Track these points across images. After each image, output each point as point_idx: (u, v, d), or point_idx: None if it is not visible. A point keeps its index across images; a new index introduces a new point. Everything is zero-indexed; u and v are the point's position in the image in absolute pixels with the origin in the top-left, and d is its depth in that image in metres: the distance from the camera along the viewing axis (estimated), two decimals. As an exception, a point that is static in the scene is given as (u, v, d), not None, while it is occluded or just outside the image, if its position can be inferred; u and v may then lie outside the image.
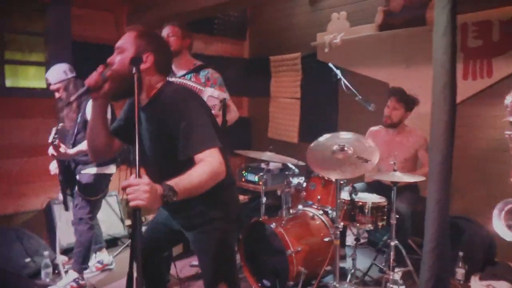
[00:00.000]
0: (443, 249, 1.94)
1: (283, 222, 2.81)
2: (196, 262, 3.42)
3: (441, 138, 1.93)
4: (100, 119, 1.67)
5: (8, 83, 3.81)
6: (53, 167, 2.98)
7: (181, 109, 1.52)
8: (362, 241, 3.60)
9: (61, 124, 2.75)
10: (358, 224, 2.76)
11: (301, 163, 3.11)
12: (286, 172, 3.19)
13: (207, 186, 1.42)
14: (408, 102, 3.17)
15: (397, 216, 2.67)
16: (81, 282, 2.93)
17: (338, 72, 3.26)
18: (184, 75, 2.60)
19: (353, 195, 2.74)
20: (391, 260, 2.62)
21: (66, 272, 3.02)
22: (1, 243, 3.01)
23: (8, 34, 3.83)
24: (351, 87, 3.20)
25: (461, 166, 3.11)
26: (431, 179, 1.93)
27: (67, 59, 3.32)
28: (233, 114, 2.68)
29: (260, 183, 3.18)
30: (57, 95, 2.92)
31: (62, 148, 2.63)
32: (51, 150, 2.66)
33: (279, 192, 3.09)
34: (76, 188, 2.93)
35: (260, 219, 2.90)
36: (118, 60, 1.55)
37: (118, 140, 1.76)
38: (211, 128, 1.53)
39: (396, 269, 2.67)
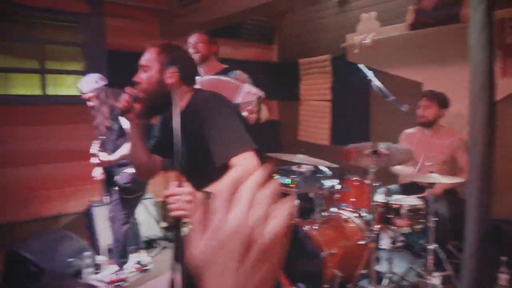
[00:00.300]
0: (484, 253, 1.89)
1: (316, 225, 2.80)
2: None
3: (480, 138, 1.88)
4: (139, 140, 1.69)
5: (49, 91, 4.00)
6: (96, 173, 3.13)
7: (213, 116, 1.53)
8: (398, 244, 3.53)
9: (100, 137, 2.87)
10: (394, 227, 2.71)
11: (333, 165, 3.10)
12: (318, 175, 3.19)
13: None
14: (440, 99, 3.12)
15: (435, 219, 2.61)
16: (121, 276, 3.09)
17: (369, 73, 3.22)
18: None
19: (388, 197, 2.70)
20: (430, 264, 2.56)
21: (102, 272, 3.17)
22: (46, 244, 3.15)
23: (48, 45, 4.02)
24: (382, 88, 3.15)
25: (503, 167, 3.00)
26: (470, 181, 1.88)
27: (102, 68, 3.47)
28: (265, 114, 2.72)
29: (292, 185, 3.19)
30: (89, 104, 3.04)
31: (104, 156, 2.76)
32: (94, 160, 2.79)
33: (311, 195, 3.08)
34: (116, 187, 3.07)
35: (293, 221, 2.90)
36: (144, 78, 1.57)
37: (158, 156, 1.78)
38: (244, 131, 1.53)
39: (435, 274, 2.61)
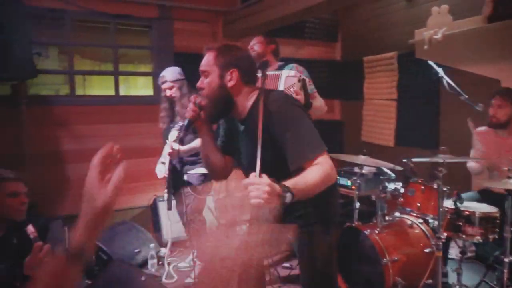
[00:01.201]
0: None
1: (378, 229, 2.69)
2: (288, 264, 3.46)
3: None
4: (210, 145, 1.74)
5: (121, 92, 4.28)
6: (159, 171, 3.20)
7: (284, 118, 1.52)
8: (468, 254, 3.28)
9: (180, 123, 2.92)
10: (464, 236, 2.51)
11: (397, 167, 2.95)
12: (381, 177, 3.05)
13: (319, 189, 1.45)
14: None
15: (512, 228, 2.38)
16: None
17: (439, 70, 3.02)
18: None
19: (458, 204, 2.51)
20: (505, 279, 2.34)
21: (169, 264, 3.29)
22: (116, 235, 3.38)
23: (121, 49, 4.31)
24: (455, 86, 2.94)
25: None
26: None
27: (170, 69, 3.61)
28: (319, 103, 2.70)
29: (353, 187, 3.10)
30: (168, 92, 3.10)
31: (176, 146, 2.85)
32: (167, 148, 2.88)
33: (373, 198, 2.96)
34: (188, 188, 3.11)
35: (354, 224, 2.81)
36: (206, 84, 1.59)
37: (229, 157, 1.81)
38: (316, 132, 1.53)
39: (511, 289, 2.38)
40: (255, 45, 2.90)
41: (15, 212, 1.96)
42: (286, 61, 2.85)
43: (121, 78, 4.32)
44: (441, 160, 2.34)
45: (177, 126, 2.90)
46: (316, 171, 1.44)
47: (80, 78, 4.88)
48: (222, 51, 1.60)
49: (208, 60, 1.60)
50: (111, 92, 4.17)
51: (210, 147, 1.73)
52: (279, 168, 1.48)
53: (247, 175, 1.65)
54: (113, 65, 4.15)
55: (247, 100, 1.61)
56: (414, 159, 2.70)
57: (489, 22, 3.46)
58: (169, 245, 3.32)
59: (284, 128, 1.50)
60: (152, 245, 3.39)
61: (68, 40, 3.86)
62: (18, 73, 3.16)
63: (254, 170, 1.63)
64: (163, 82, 3.10)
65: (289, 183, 1.34)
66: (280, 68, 2.72)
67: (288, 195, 1.31)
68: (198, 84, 1.63)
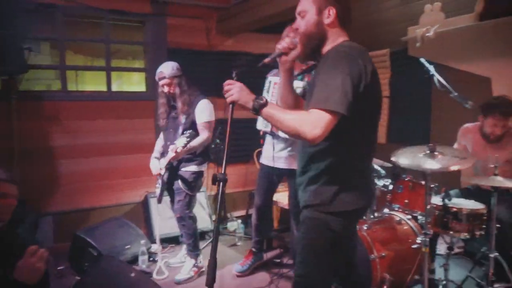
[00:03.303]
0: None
1: (366, 225, 2.71)
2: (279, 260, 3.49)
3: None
4: (287, 84, 1.76)
5: (114, 87, 4.26)
6: (154, 167, 3.17)
7: (329, 64, 1.52)
8: (457, 250, 3.31)
9: (190, 131, 2.91)
10: (451, 232, 2.53)
11: (387, 164, 2.97)
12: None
13: (284, 131, 1.50)
14: (511, 113, 2.79)
15: (498, 225, 2.40)
16: (199, 265, 3.25)
17: (430, 67, 3.03)
18: (296, 76, 2.72)
19: (446, 200, 2.53)
20: (490, 274, 2.36)
21: (156, 260, 3.34)
22: (107, 231, 3.38)
23: (114, 44, 4.29)
24: (445, 83, 2.95)
25: None
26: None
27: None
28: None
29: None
30: (166, 89, 3.06)
31: (179, 148, 2.85)
32: (171, 153, 2.89)
33: (363, 194, 2.97)
34: (180, 184, 3.12)
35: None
36: (303, 22, 1.63)
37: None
38: (339, 92, 1.42)
39: (496, 284, 2.40)
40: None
41: (2, 214, 1.89)
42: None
43: (115, 74, 4.31)
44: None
45: (187, 134, 2.88)
46: (294, 116, 1.48)
47: (72, 74, 4.87)
48: None
49: (304, 2, 1.64)
50: (104, 88, 4.15)
51: (287, 86, 1.76)
52: None
53: None
54: (106, 60, 4.13)
55: (333, 43, 1.62)
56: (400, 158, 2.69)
57: (481, 20, 3.47)
58: (158, 240, 3.32)
59: (320, 74, 1.53)
60: (143, 241, 3.40)
61: (60, 35, 3.84)
62: (9, 68, 3.16)
63: None
64: (161, 78, 3.05)
65: (269, 102, 1.50)
66: (307, 71, 2.72)
67: (259, 102, 1.49)
68: (294, 25, 1.67)
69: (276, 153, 3.00)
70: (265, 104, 1.49)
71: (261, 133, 3.16)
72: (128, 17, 4.16)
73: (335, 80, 1.43)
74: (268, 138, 3.12)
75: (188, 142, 2.85)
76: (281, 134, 2.89)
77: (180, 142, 2.85)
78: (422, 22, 4.00)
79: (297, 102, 1.81)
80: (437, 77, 2.97)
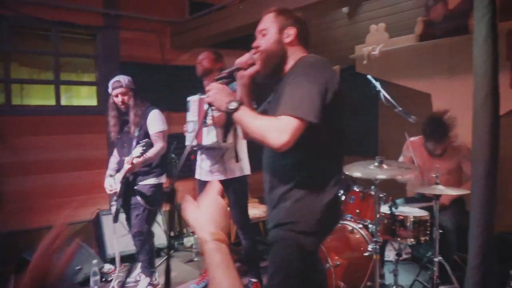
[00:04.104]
0: (488, 265, 1.86)
1: (321, 236, 2.79)
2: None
3: (484, 149, 1.86)
4: (245, 100, 1.74)
5: (62, 101, 4.10)
6: (109, 186, 3.05)
7: (296, 72, 1.55)
8: (405, 256, 3.49)
9: (146, 140, 2.87)
10: (399, 239, 2.68)
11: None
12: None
13: (252, 136, 1.52)
14: (449, 130, 2.98)
15: (441, 231, 2.58)
16: (154, 283, 3.14)
17: (377, 84, 3.22)
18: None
19: (393, 209, 2.68)
20: (435, 277, 2.52)
21: (111, 280, 3.19)
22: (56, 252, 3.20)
23: (63, 57, 4.15)
24: (390, 99, 3.15)
25: None
26: (474, 192, 1.86)
27: (115, 79, 3.54)
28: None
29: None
30: (119, 98, 3.00)
31: (135, 160, 2.79)
32: (127, 165, 2.81)
33: (317, 205, 3.07)
34: (138, 199, 3.03)
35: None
36: (264, 40, 1.66)
37: None
38: (307, 99, 1.44)
39: (441, 287, 2.57)
40: (204, 60, 2.97)
41: None
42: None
43: (63, 88, 4.15)
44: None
45: (142, 143, 2.83)
46: (262, 122, 1.48)
47: (17, 87, 4.62)
48: (282, 11, 1.69)
49: (267, 19, 1.69)
50: (51, 102, 3.99)
51: (245, 102, 1.71)
52: None
53: None
54: (54, 73, 3.98)
55: (294, 60, 1.66)
56: (352, 169, 2.81)
57: (421, 40, 3.76)
58: (117, 259, 3.18)
59: (288, 77, 1.55)
60: (94, 261, 3.26)
61: (6, 46, 3.66)
62: None
63: None
64: (116, 87, 3.00)
65: (244, 106, 1.53)
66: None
67: (234, 107, 1.52)
68: (254, 43, 1.69)
69: (209, 167, 2.98)
70: (236, 109, 1.51)
71: (191, 149, 3.15)
72: (79, 29, 4.05)
73: (303, 88, 1.46)
74: (199, 153, 3.10)
75: (144, 151, 2.80)
76: (207, 145, 2.84)
77: (136, 152, 2.80)
78: (368, 41, 4.26)
79: None
80: (383, 93, 3.16)
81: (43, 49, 4.04)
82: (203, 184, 3.06)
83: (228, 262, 0.86)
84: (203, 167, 3.01)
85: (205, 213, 0.95)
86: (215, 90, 1.59)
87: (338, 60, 4.70)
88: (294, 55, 1.66)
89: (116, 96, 3.02)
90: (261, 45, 1.66)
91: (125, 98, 3.02)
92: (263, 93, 1.90)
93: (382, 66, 4.06)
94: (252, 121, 1.49)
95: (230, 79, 1.72)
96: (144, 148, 2.80)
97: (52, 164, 3.80)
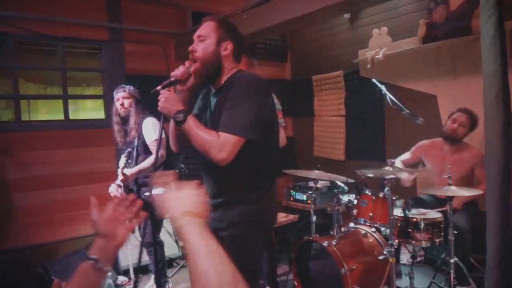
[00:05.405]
0: (507, 265, 1.86)
1: (335, 240, 2.79)
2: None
3: (497, 149, 1.88)
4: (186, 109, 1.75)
5: (69, 115, 4.13)
6: (113, 189, 3.07)
7: (238, 90, 1.59)
8: (418, 259, 3.48)
9: (128, 150, 2.90)
10: (413, 241, 2.68)
11: (350, 180, 3.10)
12: (335, 190, 3.18)
13: (196, 148, 1.57)
14: (475, 121, 3.05)
15: (455, 232, 2.57)
16: None
17: (382, 87, 3.23)
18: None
19: (406, 211, 2.68)
20: (452, 279, 2.51)
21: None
22: (70, 265, 3.22)
23: (69, 71, 4.19)
24: (397, 102, 3.16)
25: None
26: (489, 192, 1.87)
27: (122, 92, 3.58)
28: (281, 140, 2.75)
29: (309, 201, 3.19)
30: (121, 101, 3.05)
31: (127, 170, 2.80)
32: (120, 176, 2.82)
33: (329, 210, 3.07)
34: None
35: (312, 237, 2.90)
36: (201, 48, 1.68)
37: None
38: (247, 118, 1.55)
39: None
40: None
41: None
42: None
43: (70, 102, 4.18)
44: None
45: (125, 153, 2.86)
46: (206, 137, 1.53)
47: (24, 103, 4.66)
48: (223, 24, 1.72)
49: (207, 27, 1.70)
50: (58, 117, 4.01)
51: None
52: None
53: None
54: (62, 88, 4.01)
55: (228, 73, 1.71)
56: (365, 170, 2.83)
57: (424, 42, 3.79)
58: (132, 271, 3.18)
59: (229, 102, 1.58)
60: (109, 273, 3.26)
61: (12, 63, 3.70)
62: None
63: None
64: (119, 91, 3.06)
65: (192, 117, 1.59)
66: None
67: (180, 115, 1.56)
68: (191, 47, 1.71)
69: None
70: (182, 121, 1.56)
71: None
72: (85, 44, 4.09)
73: (243, 106, 1.55)
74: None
75: (127, 160, 2.84)
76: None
77: (121, 162, 2.83)
78: (371, 45, 4.29)
79: None
80: (389, 96, 3.17)
81: (49, 64, 4.07)
82: None
83: (209, 243, 0.75)
84: None
85: (181, 197, 0.95)
86: (163, 99, 1.61)
87: (341, 65, 4.73)
88: (229, 67, 1.72)
89: (118, 100, 3.06)
90: (198, 52, 1.69)
91: (126, 102, 3.04)
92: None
93: (386, 69, 4.09)
94: (196, 134, 1.55)
95: (179, 82, 1.71)
96: (126, 157, 2.84)
97: (62, 179, 3.82)
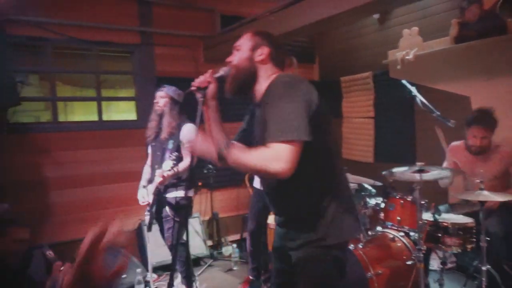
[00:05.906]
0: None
1: (361, 244, 2.76)
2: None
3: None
4: (214, 122, 1.68)
5: (103, 117, 4.29)
6: (141, 197, 3.17)
7: (275, 93, 1.48)
8: (449, 265, 3.38)
9: (175, 153, 2.96)
10: (443, 247, 2.62)
11: (377, 183, 3.05)
12: (362, 193, 3.14)
13: (253, 172, 1.55)
14: (494, 124, 2.94)
15: (488, 238, 2.49)
16: None
17: (412, 88, 3.17)
18: None
19: (436, 216, 2.62)
20: (483, 287, 2.43)
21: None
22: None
23: (103, 75, 4.35)
24: (427, 103, 3.09)
25: None
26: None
27: (152, 94, 3.68)
28: None
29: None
30: (157, 99, 3.14)
31: (166, 172, 2.88)
32: (158, 178, 2.91)
33: (356, 213, 3.04)
34: (168, 211, 3.12)
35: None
36: (237, 55, 1.67)
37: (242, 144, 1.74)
38: (293, 120, 1.39)
39: (490, 296, 2.47)
40: None
41: (13, 257, 1.85)
42: None
43: (104, 103, 4.34)
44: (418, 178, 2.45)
45: (172, 156, 2.92)
46: (256, 156, 1.41)
47: (61, 104, 4.88)
48: (259, 32, 1.71)
49: (244, 38, 1.69)
50: (93, 118, 4.18)
51: (215, 126, 1.67)
52: None
53: None
54: (96, 90, 4.17)
55: (268, 79, 1.60)
56: (393, 170, 2.75)
57: (456, 42, 3.68)
58: (150, 269, 3.26)
59: (268, 108, 1.47)
60: (138, 270, 3.36)
61: (50, 68, 3.88)
62: (2, 101, 3.16)
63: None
64: (159, 90, 3.17)
65: (237, 145, 1.55)
66: None
67: (223, 152, 1.50)
68: (228, 58, 1.70)
69: None
70: (226, 149, 1.49)
71: None
72: (118, 48, 4.24)
73: (285, 109, 1.41)
74: None
75: (175, 165, 2.89)
76: None
77: (167, 165, 2.88)
78: (401, 45, 4.20)
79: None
80: (419, 97, 3.10)
81: (83, 68, 4.25)
82: (259, 193, 3.07)
83: None
84: None
85: None
86: (195, 146, 1.60)
87: (370, 66, 4.67)
88: (266, 74, 1.63)
89: (156, 98, 3.16)
90: (234, 60, 1.67)
91: (161, 101, 3.13)
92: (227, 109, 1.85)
93: (416, 70, 4.00)
94: (245, 158, 1.44)
95: (202, 91, 1.68)
96: (175, 161, 2.89)
97: (96, 177, 3.98)
